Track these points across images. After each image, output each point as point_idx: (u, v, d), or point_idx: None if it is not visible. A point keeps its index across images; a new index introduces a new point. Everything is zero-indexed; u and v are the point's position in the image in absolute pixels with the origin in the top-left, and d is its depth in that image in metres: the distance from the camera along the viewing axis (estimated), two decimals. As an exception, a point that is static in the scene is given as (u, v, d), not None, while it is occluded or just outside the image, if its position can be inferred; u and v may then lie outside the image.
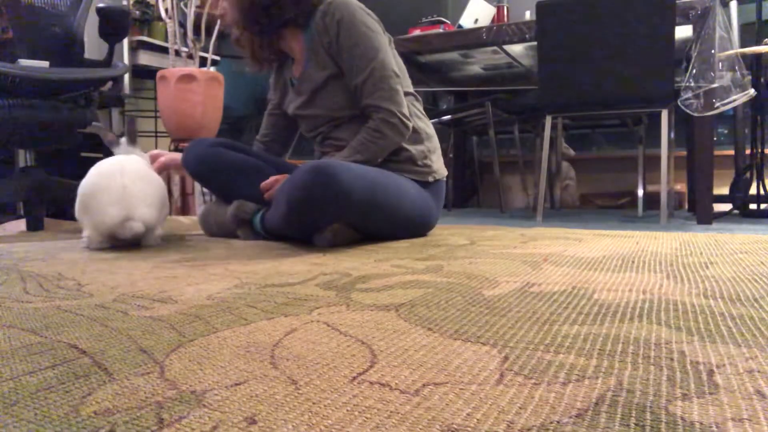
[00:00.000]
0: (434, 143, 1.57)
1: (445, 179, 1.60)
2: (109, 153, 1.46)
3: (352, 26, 1.38)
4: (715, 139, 2.52)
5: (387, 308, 0.67)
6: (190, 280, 0.88)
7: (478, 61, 2.88)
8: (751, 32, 2.53)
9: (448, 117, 3.03)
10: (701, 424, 0.35)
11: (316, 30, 1.43)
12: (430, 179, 1.52)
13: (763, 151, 2.36)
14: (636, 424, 0.35)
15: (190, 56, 2.78)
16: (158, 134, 3.26)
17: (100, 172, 1.31)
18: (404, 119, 1.41)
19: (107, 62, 2.05)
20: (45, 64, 1.87)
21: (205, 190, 2.73)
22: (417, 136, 1.50)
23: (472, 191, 3.84)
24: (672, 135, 2.46)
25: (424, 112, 1.60)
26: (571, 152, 3.38)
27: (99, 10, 1.98)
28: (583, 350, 0.50)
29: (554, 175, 3.23)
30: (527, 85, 3.18)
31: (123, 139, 1.47)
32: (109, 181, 1.28)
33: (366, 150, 1.38)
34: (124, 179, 1.28)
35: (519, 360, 0.47)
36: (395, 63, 1.47)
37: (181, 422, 0.36)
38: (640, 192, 2.74)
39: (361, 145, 1.38)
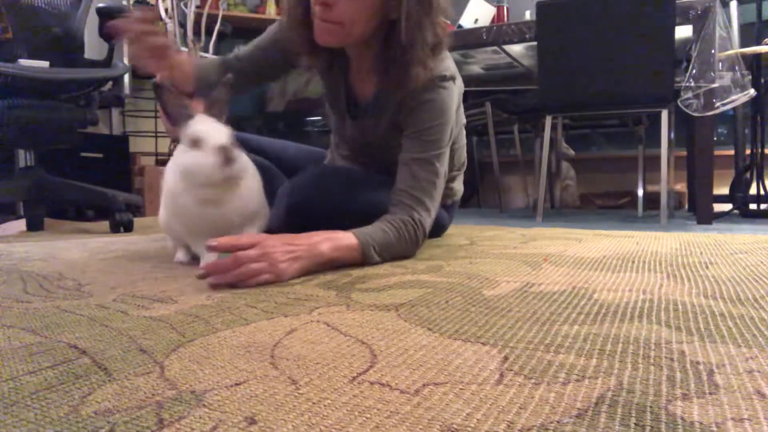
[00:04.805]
0: (463, 168, 1.50)
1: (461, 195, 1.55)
2: None
3: (439, 113, 1.16)
4: (715, 139, 2.52)
5: (387, 308, 0.67)
6: (190, 280, 0.88)
7: (478, 61, 2.88)
8: (751, 32, 2.53)
9: (448, 117, 3.02)
10: (701, 424, 0.35)
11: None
12: (449, 202, 1.48)
13: (763, 151, 2.36)
14: (636, 424, 0.35)
15: (190, 56, 2.78)
16: (158, 134, 3.27)
17: None
18: (425, 233, 1.16)
19: (107, 62, 2.05)
20: (45, 64, 1.87)
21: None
22: (451, 163, 1.36)
23: (472, 191, 3.83)
24: (672, 135, 2.46)
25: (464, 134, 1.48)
26: (571, 152, 3.38)
27: (99, 10, 1.98)
28: (583, 350, 0.50)
29: (554, 175, 3.23)
30: (527, 85, 3.18)
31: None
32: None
33: (399, 241, 1.08)
34: None
35: (519, 360, 0.47)
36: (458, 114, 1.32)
37: (181, 422, 0.36)
38: (640, 192, 2.73)
39: (398, 234, 1.08)
